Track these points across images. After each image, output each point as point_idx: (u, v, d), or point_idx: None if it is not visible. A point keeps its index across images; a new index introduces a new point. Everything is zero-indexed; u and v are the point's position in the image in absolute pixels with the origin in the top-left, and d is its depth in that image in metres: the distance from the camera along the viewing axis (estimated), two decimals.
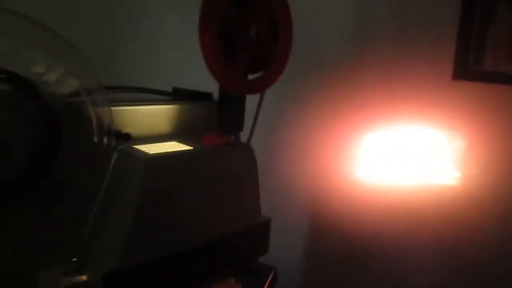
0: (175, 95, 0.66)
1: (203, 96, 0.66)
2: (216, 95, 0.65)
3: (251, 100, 0.69)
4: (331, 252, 1.18)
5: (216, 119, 0.65)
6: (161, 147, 0.56)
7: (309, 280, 1.23)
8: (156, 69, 0.99)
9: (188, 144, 0.58)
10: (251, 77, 0.65)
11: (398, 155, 1.15)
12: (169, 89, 0.69)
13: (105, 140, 0.49)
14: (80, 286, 0.47)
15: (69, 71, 0.45)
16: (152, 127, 0.59)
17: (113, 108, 0.50)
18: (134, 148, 0.53)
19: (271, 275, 0.79)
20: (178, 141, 0.60)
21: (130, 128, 0.54)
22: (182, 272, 0.55)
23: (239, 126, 0.67)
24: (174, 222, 0.53)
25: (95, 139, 0.48)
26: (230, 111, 0.65)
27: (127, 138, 0.51)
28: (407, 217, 1.15)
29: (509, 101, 1.11)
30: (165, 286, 0.53)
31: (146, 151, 0.52)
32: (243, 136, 0.68)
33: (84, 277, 0.48)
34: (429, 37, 1.11)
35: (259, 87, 0.65)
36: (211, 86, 0.65)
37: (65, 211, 0.47)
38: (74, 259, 0.49)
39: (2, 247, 0.44)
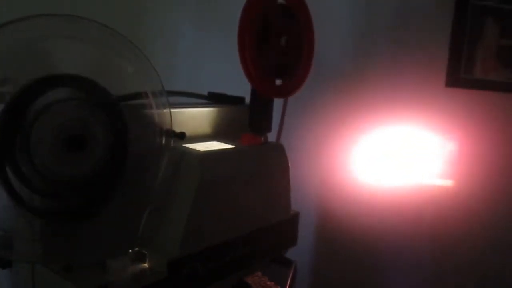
0: (211, 99, 0.71)
1: (237, 100, 0.71)
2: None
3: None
4: (337, 249, 1.24)
5: (247, 121, 0.71)
6: (206, 146, 0.61)
7: (317, 275, 1.28)
8: (176, 75, 1.03)
9: (228, 144, 0.63)
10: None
11: (397, 158, 1.22)
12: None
13: (164, 139, 0.53)
14: (147, 273, 0.51)
15: (141, 77, 0.49)
16: (194, 128, 0.64)
17: (165, 110, 0.54)
18: (185, 146, 0.58)
19: (293, 267, 0.84)
20: (218, 141, 0.65)
21: (177, 129, 0.58)
22: (228, 261, 0.60)
23: (268, 127, 0.72)
24: (223, 213, 0.58)
25: (156, 138, 0.53)
26: (261, 114, 0.71)
27: (182, 137, 0.55)
28: (406, 216, 1.22)
29: (497, 105, 1.21)
30: (216, 274, 0.58)
31: (198, 149, 0.57)
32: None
33: (146, 265, 0.52)
34: (424, 48, 1.20)
35: (289, 91, 0.71)
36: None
37: (128, 204, 0.52)
38: (136, 249, 0.53)
39: (77, 239, 0.47)
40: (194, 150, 0.57)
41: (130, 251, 0.53)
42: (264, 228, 0.65)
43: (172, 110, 0.55)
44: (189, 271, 0.53)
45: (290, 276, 0.81)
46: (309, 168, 1.17)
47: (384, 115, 1.19)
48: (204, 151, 0.57)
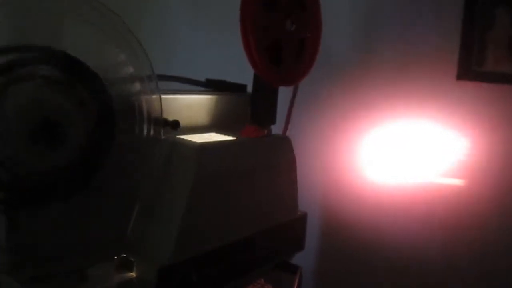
0: (209, 86, 0.64)
1: (238, 88, 0.64)
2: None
3: None
4: (346, 252, 1.18)
5: (249, 111, 0.64)
6: (203, 137, 0.54)
7: (324, 281, 1.22)
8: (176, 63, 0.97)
9: (228, 135, 0.57)
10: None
11: (405, 154, 1.17)
12: None
13: (153, 128, 0.47)
14: (134, 283, 0.44)
15: (126, 57, 0.42)
16: (190, 118, 0.57)
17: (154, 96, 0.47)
18: (179, 137, 0.51)
19: (298, 273, 0.77)
20: (216, 132, 0.58)
21: (170, 118, 0.51)
22: (227, 267, 0.53)
23: (273, 119, 0.66)
24: (221, 213, 0.51)
25: (144, 128, 0.46)
26: (264, 104, 0.64)
27: (175, 126, 0.48)
28: (413, 214, 1.17)
29: (510, 99, 1.15)
30: (213, 282, 0.51)
31: (194, 140, 0.50)
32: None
33: (133, 274, 0.46)
34: (434, 39, 1.14)
35: (294, 78, 0.65)
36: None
37: (111, 204, 0.45)
38: (123, 255, 0.46)
39: (52, 242, 0.41)
40: (190, 141, 0.50)
41: (115, 257, 0.46)
42: (268, 230, 0.59)
43: (164, 96, 0.48)
44: (183, 280, 0.46)
45: (296, 283, 0.75)
46: (315, 166, 1.12)
47: (392, 110, 1.14)
48: (201, 143, 0.50)
